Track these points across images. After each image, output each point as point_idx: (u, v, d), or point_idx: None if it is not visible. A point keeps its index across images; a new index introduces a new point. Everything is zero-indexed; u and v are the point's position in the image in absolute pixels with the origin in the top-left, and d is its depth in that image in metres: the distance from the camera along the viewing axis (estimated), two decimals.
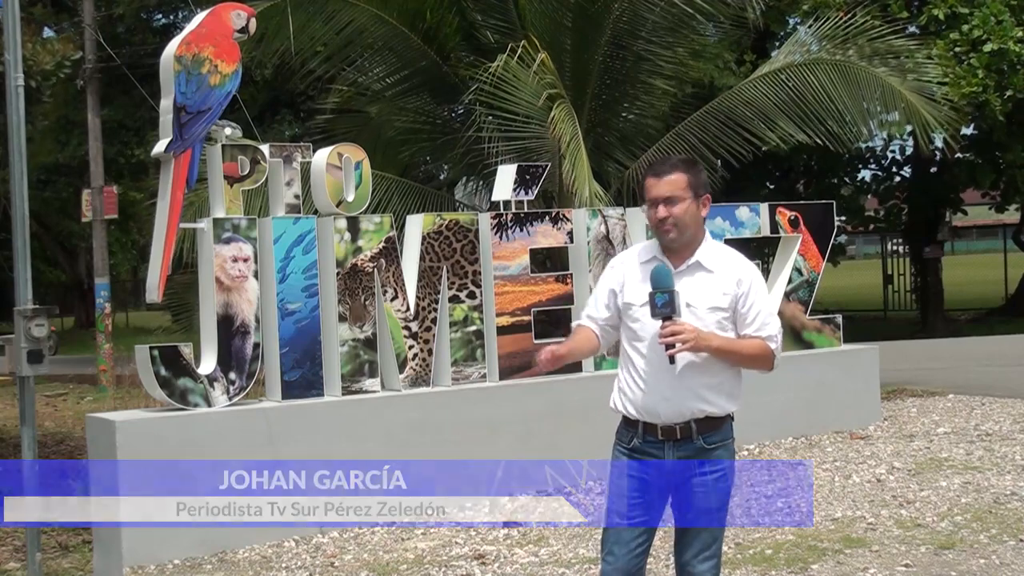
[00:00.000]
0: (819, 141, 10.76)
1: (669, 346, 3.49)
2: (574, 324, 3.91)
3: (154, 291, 6.51)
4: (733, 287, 3.62)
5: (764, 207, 8.98)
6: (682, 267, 3.66)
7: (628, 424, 3.73)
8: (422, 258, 7.28)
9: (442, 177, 13.45)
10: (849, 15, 10.97)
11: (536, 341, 7.62)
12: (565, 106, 9.22)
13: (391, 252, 7.13)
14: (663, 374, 3.59)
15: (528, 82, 9.38)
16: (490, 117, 10.20)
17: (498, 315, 7.51)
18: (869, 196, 22.31)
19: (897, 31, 11.35)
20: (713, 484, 3.63)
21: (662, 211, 3.62)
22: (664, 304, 3.49)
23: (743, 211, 8.81)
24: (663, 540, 5.82)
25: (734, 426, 3.73)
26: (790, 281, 8.99)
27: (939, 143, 19.87)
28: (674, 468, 3.63)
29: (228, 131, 6.76)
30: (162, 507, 6.12)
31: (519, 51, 9.23)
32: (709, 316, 3.60)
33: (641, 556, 3.74)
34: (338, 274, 6.91)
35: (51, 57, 9.35)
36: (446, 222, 7.47)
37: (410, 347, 7.19)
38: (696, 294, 3.60)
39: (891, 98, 10.51)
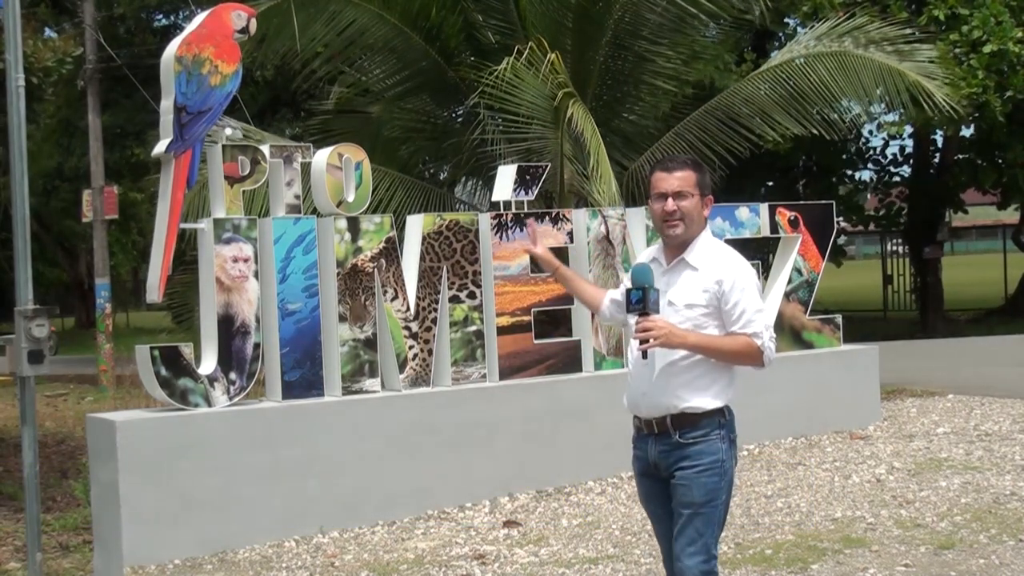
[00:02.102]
0: (816, 131, 10.74)
1: (643, 341, 3.60)
2: None
3: (154, 291, 6.52)
4: (713, 285, 3.70)
5: (764, 207, 8.98)
6: (671, 264, 3.78)
7: (633, 418, 3.93)
8: (422, 258, 7.29)
9: (442, 177, 13.45)
10: (848, 16, 10.96)
11: (536, 341, 7.63)
12: (580, 104, 9.23)
13: (391, 252, 7.14)
14: (644, 370, 3.73)
15: (532, 83, 9.39)
16: (491, 118, 10.21)
17: (498, 315, 7.51)
18: (869, 195, 22.30)
19: (891, 22, 11.34)
20: (695, 478, 3.70)
21: (671, 204, 3.72)
22: (637, 300, 3.61)
23: (743, 211, 8.82)
24: None
25: (726, 422, 3.79)
26: (790, 281, 8.99)
27: (939, 142, 19.92)
28: (657, 461, 3.77)
29: (228, 131, 6.77)
30: (162, 507, 6.14)
31: (526, 52, 9.23)
32: (686, 312, 3.70)
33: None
34: (338, 274, 6.92)
35: (52, 54, 9.36)
36: (446, 222, 7.47)
37: (410, 347, 7.19)
38: (677, 291, 3.72)
39: (889, 78, 10.44)
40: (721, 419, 3.76)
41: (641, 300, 3.59)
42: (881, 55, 10.46)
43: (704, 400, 3.71)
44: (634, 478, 4.01)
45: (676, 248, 3.77)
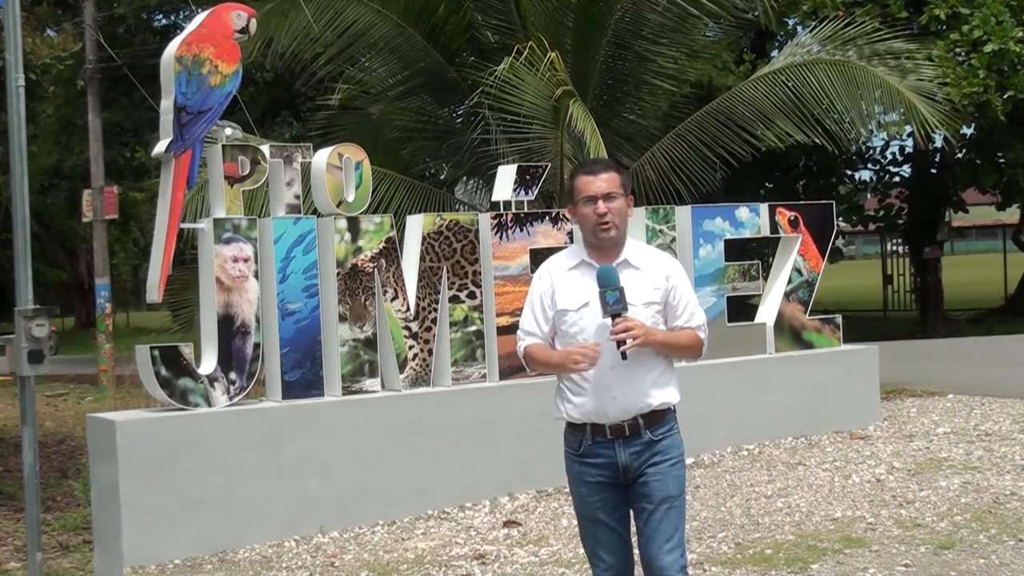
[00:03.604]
0: (818, 141, 10.78)
1: (620, 342, 3.56)
2: (522, 346, 3.85)
3: (154, 291, 6.52)
4: (663, 281, 3.74)
5: (764, 207, 8.98)
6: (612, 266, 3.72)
7: (575, 429, 3.79)
8: (422, 258, 7.29)
9: (442, 176, 13.47)
10: (848, 15, 10.98)
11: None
12: (580, 103, 9.22)
13: (391, 252, 7.14)
14: (609, 373, 3.66)
15: (532, 83, 9.39)
16: (492, 118, 10.21)
17: (498, 315, 7.51)
18: (868, 195, 22.31)
19: (898, 33, 11.38)
20: (668, 470, 3.72)
21: (602, 207, 3.69)
22: (615, 301, 3.59)
23: (743, 211, 8.82)
24: None
25: (678, 418, 3.82)
26: (790, 281, 8.99)
27: (939, 142, 19.93)
28: (628, 464, 3.71)
29: (228, 131, 6.77)
30: (162, 507, 6.14)
31: (525, 52, 9.22)
32: (645, 311, 3.69)
33: (627, 550, 3.83)
34: (338, 274, 6.92)
35: (50, 50, 9.36)
36: (446, 222, 7.47)
37: (410, 347, 7.19)
38: (629, 291, 3.66)
39: (890, 97, 10.53)
40: (675, 413, 3.81)
41: (619, 300, 3.58)
42: (883, 69, 10.50)
43: (670, 395, 3.76)
44: (581, 492, 3.78)
45: (608, 250, 3.74)
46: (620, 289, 3.59)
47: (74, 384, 17.51)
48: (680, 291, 3.76)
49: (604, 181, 3.71)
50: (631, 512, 3.81)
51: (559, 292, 3.76)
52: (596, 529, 3.81)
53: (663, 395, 3.73)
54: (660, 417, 3.73)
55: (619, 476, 3.73)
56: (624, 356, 3.59)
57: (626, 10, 10.65)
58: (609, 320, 3.59)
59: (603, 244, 3.73)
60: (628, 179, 3.82)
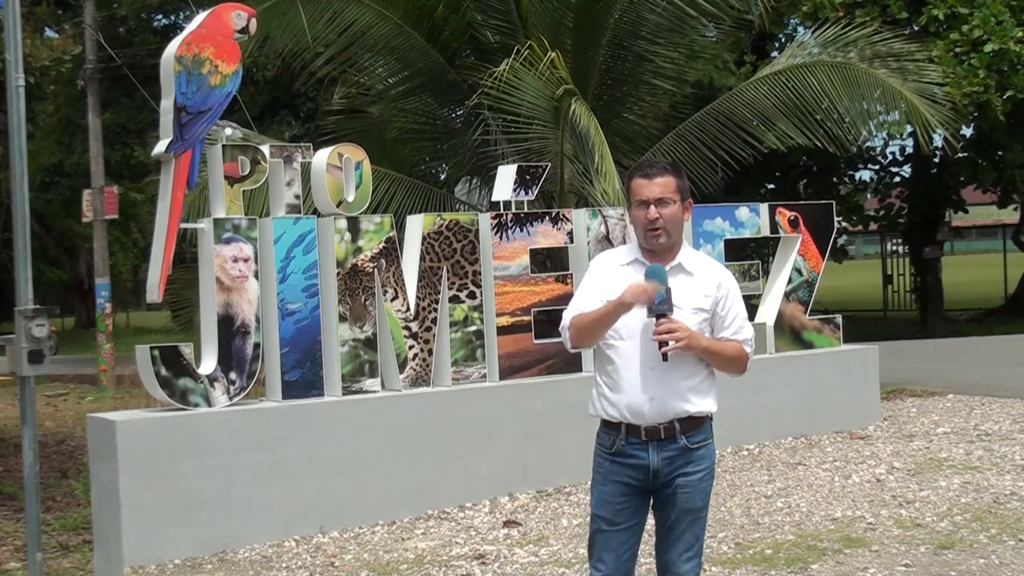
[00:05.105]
0: (819, 143, 10.78)
1: (663, 343, 3.52)
2: (567, 318, 3.80)
3: (154, 291, 6.52)
4: (713, 290, 3.70)
5: (764, 207, 8.98)
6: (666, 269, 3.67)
7: (609, 427, 3.78)
8: (422, 258, 7.29)
9: (442, 176, 13.47)
10: (848, 16, 10.98)
11: (536, 341, 7.62)
12: (582, 101, 9.22)
13: (391, 252, 7.14)
14: (649, 374, 3.63)
15: (532, 83, 9.38)
16: (492, 118, 10.21)
17: (498, 315, 7.51)
18: (869, 196, 22.32)
19: (898, 33, 11.38)
20: (698, 483, 3.68)
21: (653, 212, 3.65)
22: (661, 301, 3.53)
23: (743, 211, 8.82)
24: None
25: (713, 427, 3.77)
26: (790, 281, 8.99)
27: (939, 142, 19.94)
28: (659, 469, 3.67)
29: (228, 131, 6.77)
30: (162, 507, 6.14)
31: (525, 52, 9.22)
32: (693, 317, 3.64)
33: (631, 560, 3.80)
34: (338, 274, 6.92)
35: (50, 52, 9.37)
36: (446, 222, 7.47)
37: (410, 347, 7.19)
38: (680, 295, 3.62)
39: (891, 99, 10.55)
40: (712, 423, 3.76)
41: (665, 300, 3.53)
42: (885, 71, 10.50)
43: (708, 403, 3.70)
44: (605, 490, 3.79)
45: (661, 254, 3.70)
46: (668, 289, 3.54)
47: (74, 384, 17.51)
48: (731, 302, 3.72)
49: (658, 186, 3.65)
50: (649, 518, 3.78)
51: (608, 286, 3.68)
52: (609, 532, 3.77)
53: (702, 403, 3.68)
54: (697, 424, 3.68)
55: (648, 480, 3.69)
56: (665, 357, 3.54)
57: (625, 10, 10.65)
58: (653, 320, 3.55)
59: (653, 248, 3.69)
60: (685, 183, 3.75)
